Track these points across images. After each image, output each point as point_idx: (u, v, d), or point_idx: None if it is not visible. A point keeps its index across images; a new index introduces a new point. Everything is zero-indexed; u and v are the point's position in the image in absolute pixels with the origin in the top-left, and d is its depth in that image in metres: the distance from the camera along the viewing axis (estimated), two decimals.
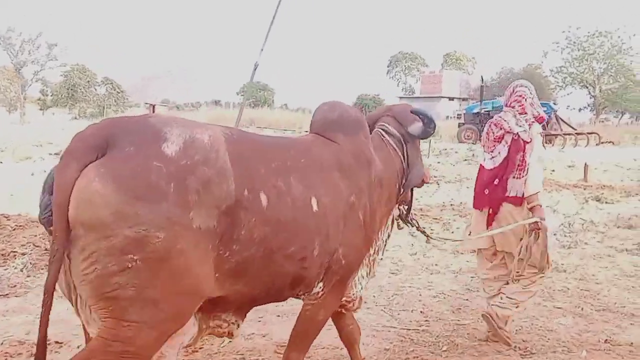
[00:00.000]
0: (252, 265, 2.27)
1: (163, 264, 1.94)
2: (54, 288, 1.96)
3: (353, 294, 3.03)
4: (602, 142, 19.60)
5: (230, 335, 2.53)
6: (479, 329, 4.48)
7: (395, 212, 3.26)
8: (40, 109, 49.91)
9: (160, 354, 2.18)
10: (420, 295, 5.29)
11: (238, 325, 2.54)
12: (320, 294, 2.73)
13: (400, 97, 53.36)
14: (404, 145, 3.14)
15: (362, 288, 3.08)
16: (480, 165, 4.29)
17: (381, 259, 3.25)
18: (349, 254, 2.71)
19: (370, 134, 3.07)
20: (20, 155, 14.43)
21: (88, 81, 47.24)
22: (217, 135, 2.20)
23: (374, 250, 3.08)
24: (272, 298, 2.60)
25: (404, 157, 3.12)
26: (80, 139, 2.00)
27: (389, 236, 3.26)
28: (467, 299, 5.23)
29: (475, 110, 20.92)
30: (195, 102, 55.58)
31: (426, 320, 4.64)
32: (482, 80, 21.98)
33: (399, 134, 3.14)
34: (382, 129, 3.17)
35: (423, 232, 3.50)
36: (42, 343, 2.04)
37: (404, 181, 3.14)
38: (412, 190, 3.29)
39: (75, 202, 1.87)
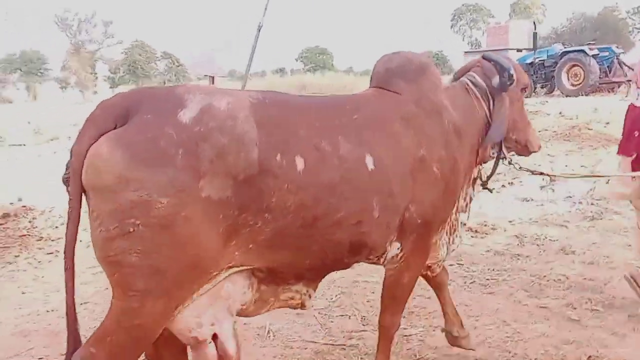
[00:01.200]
0: (292, 234, 2.15)
1: (166, 230, 1.87)
2: (74, 250, 1.97)
3: (439, 256, 2.96)
4: None
5: (302, 306, 2.47)
6: (426, 342, 3.52)
7: (475, 172, 3.02)
8: (110, 87, 51.35)
9: (214, 319, 2.14)
10: (372, 293, 4.30)
11: (310, 296, 2.47)
12: (400, 256, 2.60)
13: (466, 52, 51.04)
14: (490, 98, 2.93)
15: (446, 253, 2.98)
16: (631, 105, 3.78)
17: (464, 223, 3.06)
18: (425, 211, 2.53)
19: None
20: (45, 138, 14.25)
21: (147, 57, 47.78)
22: (239, 102, 2.09)
23: (455, 209, 2.90)
24: (332, 267, 2.48)
25: (489, 110, 2.93)
26: (103, 107, 2.00)
27: (471, 199, 3.05)
28: (428, 297, 4.16)
29: (528, 60, 19.19)
30: (261, 71, 55.45)
31: (363, 330, 3.71)
32: (535, 26, 20.17)
33: (485, 86, 2.95)
34: (468, 79, 2.99)
35: (542, 174, 3.43)
36: (72, 311, 2.01)
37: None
38: (498, 155, 3.02)
39: (85, 167, 1.89)
